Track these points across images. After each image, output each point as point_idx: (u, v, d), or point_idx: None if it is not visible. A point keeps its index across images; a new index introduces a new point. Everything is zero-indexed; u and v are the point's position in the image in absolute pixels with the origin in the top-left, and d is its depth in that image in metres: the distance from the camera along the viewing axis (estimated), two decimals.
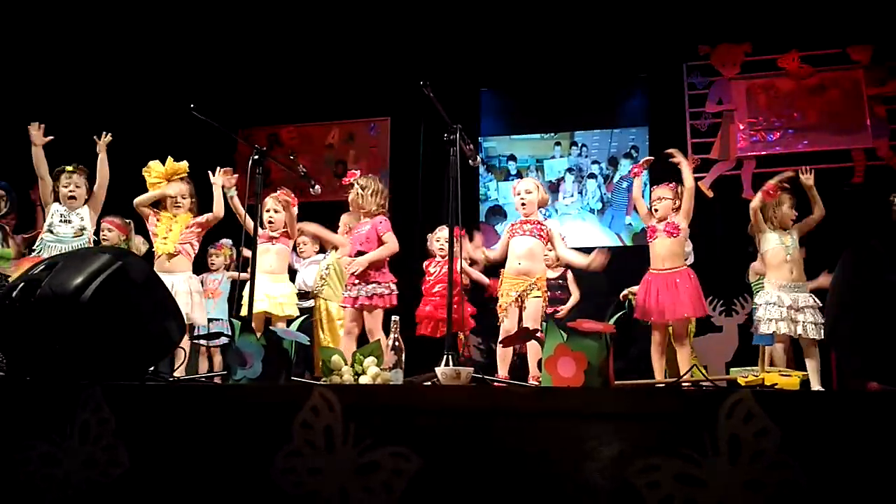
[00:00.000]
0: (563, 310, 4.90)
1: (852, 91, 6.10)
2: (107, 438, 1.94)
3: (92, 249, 2.58)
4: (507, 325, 3.93)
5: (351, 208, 4.16)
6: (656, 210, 4.25)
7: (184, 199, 4.21)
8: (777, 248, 4.11)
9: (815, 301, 3.99)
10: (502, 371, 3.92)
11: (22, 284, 2.15)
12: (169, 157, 4.20)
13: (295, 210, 4.38)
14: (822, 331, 3.88)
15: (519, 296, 3.92)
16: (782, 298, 3.98)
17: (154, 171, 4.12)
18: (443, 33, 6.49)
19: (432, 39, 6.49)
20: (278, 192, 4.37)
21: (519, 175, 6.90)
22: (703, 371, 4.08)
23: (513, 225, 4.15)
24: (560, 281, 5.03)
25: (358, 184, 4.06)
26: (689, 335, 4.31)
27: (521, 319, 3.91)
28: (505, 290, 3.99)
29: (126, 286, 2.14)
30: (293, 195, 4.38)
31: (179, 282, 4.08)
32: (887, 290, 1.75)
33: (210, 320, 5.05)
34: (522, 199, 4.11)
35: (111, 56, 6.45)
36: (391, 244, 3.95)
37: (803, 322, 3.91)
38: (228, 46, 6.74)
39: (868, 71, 6.07)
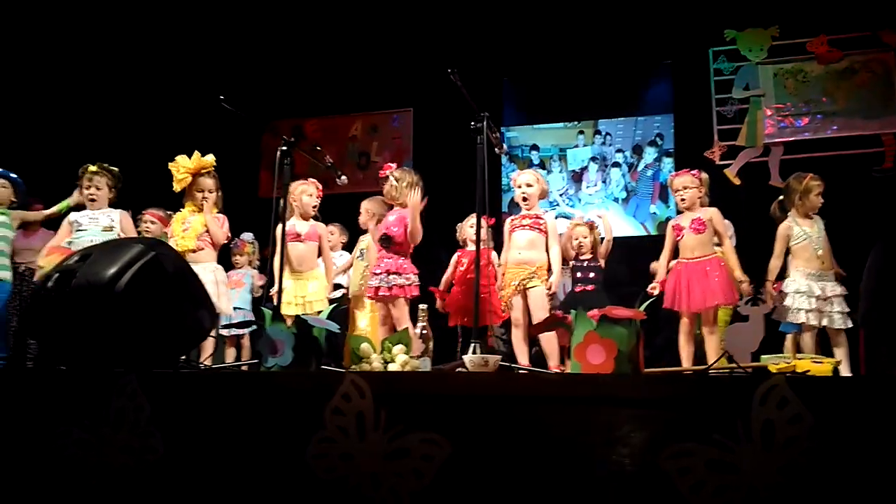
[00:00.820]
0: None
1: (883, 75, 5.97)
2: (142, 425, 1.98)
3: (125, 240, 2.62)
4: (514, 314, 4.00)
5: (386, 199, 4.19)
6: (683, 200, 4.16)
7: (210, 193, 4.24)
8: (804, 242, 4.07)
9: (843, 290, 3.95)
10: (521, 359, 3.96)
11: (57, 275, 2.20)
12: (196, 151, 4.22)
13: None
14: (848, 320, 3.85)
15: (520, 284, 3.98)
16: (812, 287, 3.94)
17: (181, 165, 4.15)
18: (465, 23, 6.47)
19: (454, 30, 6.47)
20: (311, 179, 4.48)
21: (542, 165, 6.87)
22: (733, 358, 4.04)
23: (512, 220, 4.23)
24: (592, 263, 4.94)
25: (393, 176, 4.09)
26: (724, 323, 4.29)
27: (527, 309, 3.95)
28: (507, 280, 4.06)
29: (159, 276, 2.17)
30: (320, 186, 4.47)
31: (205, 272, 4.10)
32: None
33: (234, 309, 5.12)
34: (524, 193, 4.17)
35: (136, 51, 6.53)
36: (415, 231, 3.98)
37: (830, 312, 3.88)
38: (250, 40, 6.79)
39: None
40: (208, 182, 4.24)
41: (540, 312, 3.91)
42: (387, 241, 3.98)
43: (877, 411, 1.54)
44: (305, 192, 4.46)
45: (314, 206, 4.50)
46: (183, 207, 4.27)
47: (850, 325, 3.85)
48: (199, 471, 1.92)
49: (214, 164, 4.23)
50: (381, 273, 3.94)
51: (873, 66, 6.02)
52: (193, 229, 4.14)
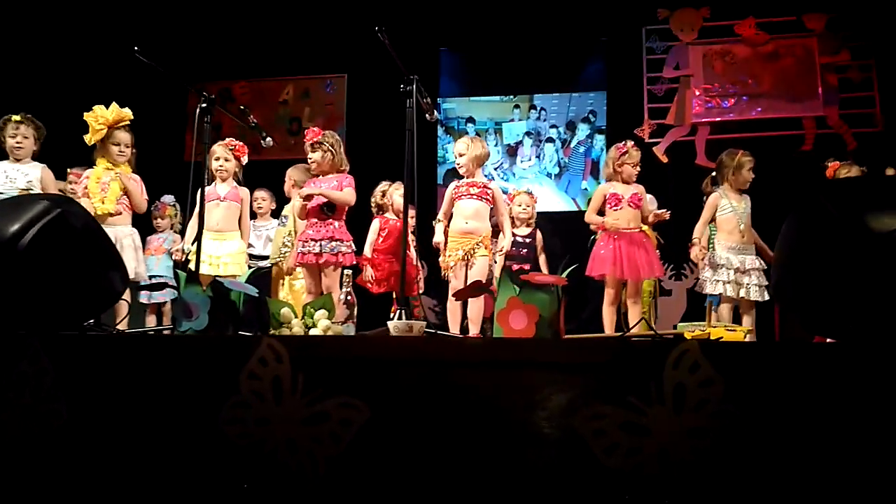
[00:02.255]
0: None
1: (805, 59, 6.19)
2: (45, 389, 1.89)
3: (30, 196, 2.47)
4: (455, 284, 3.97)
5: (321, 166, 4.02)
6: (625, 173, 4.20)
7: (127, 148, 4.06)
8: (730, 214, 4.19)
9: (761, 263, 4.11)
10: (453, 328, 3.95)
11: None
12: (113, 102, 4.03)
13: (244, 160, 4.35)
14: (765, 293, 4.01)
15: (465, 254, 3.96)
16: (731, 260, 4.09)
17: (100, 115, 3.95)
18: None
19: None
20: (226, 140, 4.31)
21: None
22: (651, 325, 4.15)
23: (458, 187, 4.14)
24: (528, 240, 5.00)
25: (327, 142, 3.98)
26: (648, 294, 4.43)
27: (467, 278, 3.94)
28: (451, 249, 4.00)
29: (66, 234, 2.05)
30: (241, 145, 4.33)
31: (123, 235, 3.97)
32: (831, 246, 1.78)
33: (152, 277, 4.97)
34: (457, 162, 4.13)
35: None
36: (350, 196, 3.92)
37: (747, 284, 4.04)
38: None
39: (821, 39, 6.16)
40: (125, 136, 4.06)
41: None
42: (331, 209, 3.88)
43: (786, 376, 1.59)
44: (213, 156, 4.28)
45: (218, 170, 4.32)
46: (94, 164, 4.07)
47: (766, 297, 4.01)
48: (106, 437, 1.84)
49: (132, 117, 4.06)
50: (321, 239, 3.85)
51: (797, 50, 6.23)
52: (112, 192, 3.96)
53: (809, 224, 1.85)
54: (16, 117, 4.15)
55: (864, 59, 6.04)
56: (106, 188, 3.94)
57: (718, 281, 4.08)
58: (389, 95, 3.02)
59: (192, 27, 6.68)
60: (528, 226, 5.00)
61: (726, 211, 4.21)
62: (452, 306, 4.04)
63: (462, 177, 4.19)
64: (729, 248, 4.14)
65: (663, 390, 1.59)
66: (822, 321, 1.91)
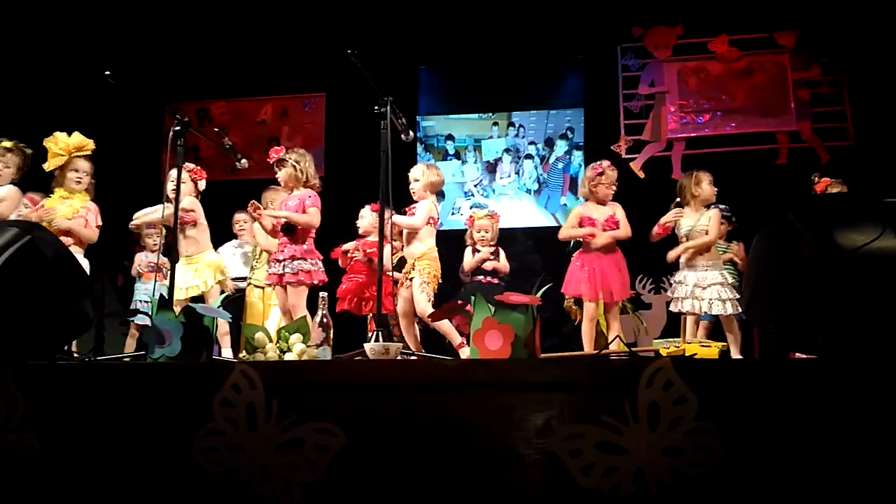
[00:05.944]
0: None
1: (778, 75, 6.29)
2: (15, 421, 1.85)
3: None
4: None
5: (284, 184, 4.05)
6: (600, 193, 4.23)
7: (86, 175, 4.00)
8: (691, 231, 4.20)
9: (724, 277, 4.08)
10: (413, 346, 3.99)
11: None
12: (76, 131, 3.99)
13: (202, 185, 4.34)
14: (728, 305, 3.98)
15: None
16: (688, 278, 4.09)
17: (60, 141, 3.89)
18: (381, 9, 6.39)
19: (370, 15, 6.38)
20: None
21: (457, 155, 6.89)
22: (626, 342, 4.17)
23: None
24: (493, 255, 5.03)
25: (291, 159, 3.99)
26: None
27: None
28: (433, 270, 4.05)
29: (36, 261, 2.02)
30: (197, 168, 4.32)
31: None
32: (801, 263, 1.80)
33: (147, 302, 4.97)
34: (411, 188, 4.17)
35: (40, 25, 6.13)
36: (313, 218, 3.90)
37: (708, 299, 4.01)
38: (156, 18, 6.49)
39: (793, 55, 6.26)
40: (85, 164, 4.00)
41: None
42: (290, 230, 3.88)
43: (759, 393, 1.60)
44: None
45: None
46: (52, 192, 3.99)
47: (729, 311, 3.98)
48: (78, 468, 1.81)
49: (94, 147, 4.00)
50: (284, 259, 3.85)
51: (769, 66, 6.32)
52: (56, 230, 3.75)
53: (779, 241, 1.88)
54: (6, 144, 3.99)
55: (835, 75, 6.15)
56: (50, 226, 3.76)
57: (678, 298, 4.10)
58: (368, 114, 3.03)
59: (171, 48, 6.66)
60: (490, 245, 4.99)
61: (684, 230, 4.21)
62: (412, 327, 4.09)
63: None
64: (690, 265, 4.14)
65: (637, 409, 1.59)
66: (793, 337, 1.93)
